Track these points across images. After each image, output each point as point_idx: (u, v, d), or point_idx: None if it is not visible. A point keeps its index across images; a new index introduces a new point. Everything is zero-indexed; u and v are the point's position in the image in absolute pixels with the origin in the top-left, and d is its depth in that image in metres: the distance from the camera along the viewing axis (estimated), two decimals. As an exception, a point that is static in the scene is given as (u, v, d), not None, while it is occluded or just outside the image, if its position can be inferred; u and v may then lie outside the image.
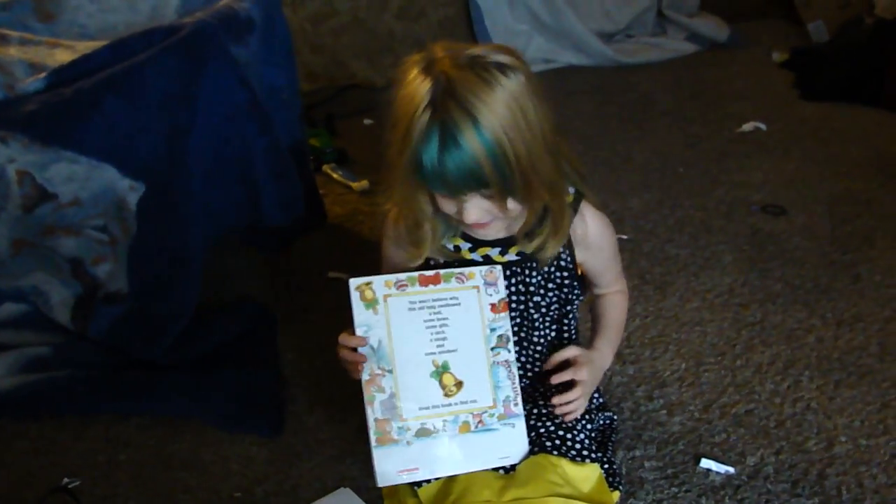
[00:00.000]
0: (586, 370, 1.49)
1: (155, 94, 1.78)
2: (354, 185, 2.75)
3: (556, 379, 1.48)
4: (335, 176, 2.83)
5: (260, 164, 1.92)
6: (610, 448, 1.62)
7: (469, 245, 1.51)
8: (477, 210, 1.36)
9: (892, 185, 2.73)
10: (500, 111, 1.29)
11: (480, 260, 1.51)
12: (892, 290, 2.17)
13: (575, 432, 1.49)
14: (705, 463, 1.64)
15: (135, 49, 1.81)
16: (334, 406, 1.82)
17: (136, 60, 1.77)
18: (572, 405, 1.48)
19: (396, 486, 1.54)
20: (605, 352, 1.62)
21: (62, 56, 1.91)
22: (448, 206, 1.38)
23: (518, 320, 1.55)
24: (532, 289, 1.53)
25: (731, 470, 1.63)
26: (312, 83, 3.53)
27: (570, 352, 1.51)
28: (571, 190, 1.50)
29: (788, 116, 3.30)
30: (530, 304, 1.55)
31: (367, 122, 3.26)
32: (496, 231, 1.45)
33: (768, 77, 3.75)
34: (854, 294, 2.16)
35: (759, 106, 3.39)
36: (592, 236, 1.54)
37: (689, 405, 1.80)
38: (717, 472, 1.63)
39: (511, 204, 1.36)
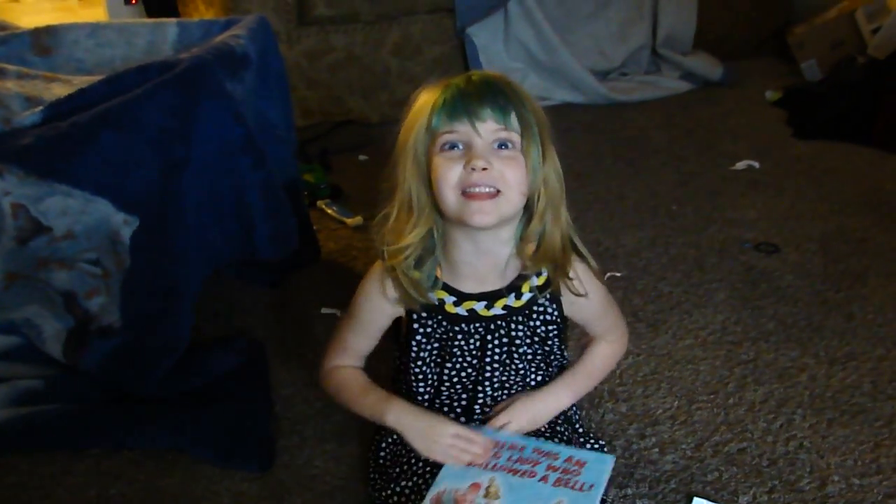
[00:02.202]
0: (519, 408, 1.55)
1: (150, 129, 1.78)
2: (348, 220, 2.75)
3: (495, 422, 1.53)
4: (329, 212, 2.83)
5: (254, 199, 1.92)
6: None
7: (454, 299, 1.50)
8: (488, 150, 1.37)
9: (885, 223, 2.74)
10: (529, 94, 1.42)
11: (465, 314, 1.50)
12: (886, 329, 2.17)
13: None
14: (697, 502, 1.63)
15: (131, 84, 1.82)
16: (326, 442, 1.82)
17: (132, 95, 1.78)
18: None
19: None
20: (558, 394, 1.60)
21: (59, 90, 1.92)
22: (453, 165, 1.37)
23: (501, 369, 1.55)
24: (518, 341, 1.53)
25: (724, 509, 1.63)
26: (308, 119, 3.54)
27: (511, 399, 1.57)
28: None
29: (781, 155, 3.32)
30: (515, 356, 1.55)
31: (362, 158, 3.27)
32: (495, 215, 1.37)
33: (761, 115, 3.78)
34: (847, 332, 2.16)
35: (753, 144, 3.41)
36: (576, 280, 1.51)
37: (682, 443, 1.80)
38: (710, 511, 1.62)
39: (517, 166, 1.38)
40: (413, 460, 1.51)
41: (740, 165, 3.21)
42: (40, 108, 1.83)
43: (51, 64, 2.10)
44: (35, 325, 1.94)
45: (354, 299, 1.57)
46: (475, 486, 1.40)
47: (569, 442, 1.57)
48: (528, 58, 3.92)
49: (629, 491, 1.67)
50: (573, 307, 1.55)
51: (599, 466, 1.44)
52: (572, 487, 1.39)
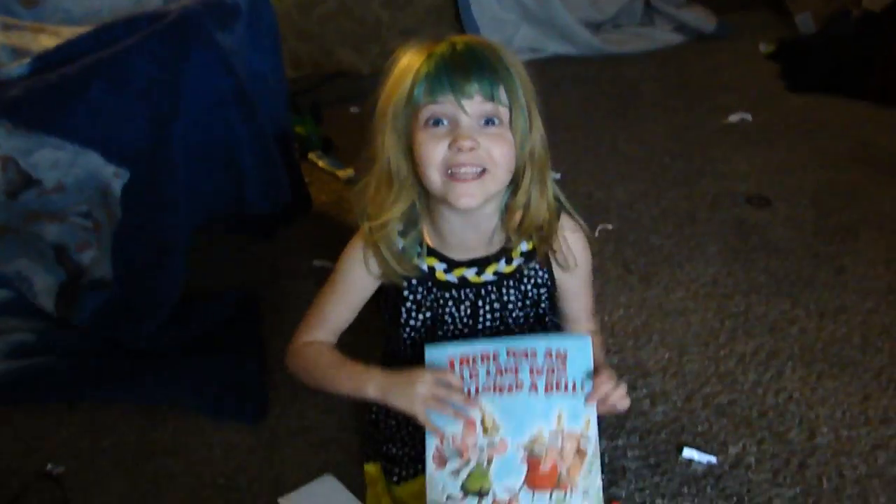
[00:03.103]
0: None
1: (140, 81, 1.77)
2: (340, 173, 2.74)
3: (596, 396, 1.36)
4: (320, 164, 2.82)
5: (245, 151, 1.91)
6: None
7: (444, 266, 1.46)
8: (475, 127, 1.31)
9: (877, 177, 2.74)
10: (516, 59, 1.35)
11: (455, 281, 1.47)
12: (876, 282, 2.18)
13: None
14: (687, 452, 1.64)
15: (120, 35, 1.80)
16: (318, 394, 1.82)
17: (121, 46, 1.77)
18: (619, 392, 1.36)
19: (378, 476, 1.55)
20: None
21: (46, 41, 1.90)
22: (438, 143, 1.31)
23: (494, 335, 1.49)
24: (510, 306, 1.50)
25: (713, 459, 1.64)
26: (298, 71, 3.52)
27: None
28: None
29: (775, 108, 3.31)
30: (509, 320, 1.51)
31: (353, 110, 3.26)
32: (482, 196, 1.33)
33: (755, 68, 3.76)
34: (837, 286, 2.17)
35: (746, 97, 3.40)
36: (569, 252, 1.47)
37: (672, 395, 1.81)
38: (699, 462, 1.63)
39: (505, 144, 1.32)
40: (405, 417, 1.51)
41: (733, 118, 3.20)
42: (28, 59, 1.81)
43: (38, 14, 2.08)
44: (26, 278, 1.93)
45: (336, 268, 1.51)
46: (470, 424, 1.33)
47: None
48: (521, 9, 3.89)
49: (620, 442, 1.68)
50: (563, 273, 1.50)
51: (581, 355, 1.35)
52: (564, 390, 1.34)
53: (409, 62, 1.33)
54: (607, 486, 1.57)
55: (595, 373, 1.35)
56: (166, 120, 1.79)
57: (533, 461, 1.34)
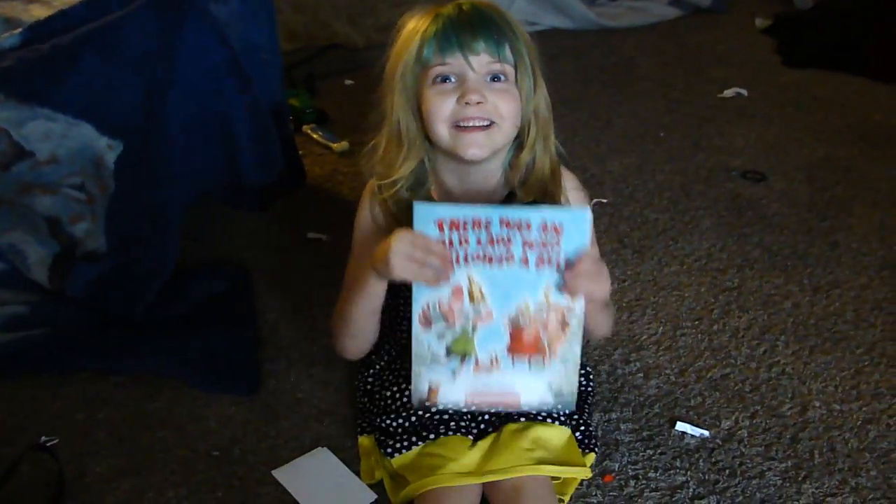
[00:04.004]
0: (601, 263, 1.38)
1: (133, 52, 1.76)
2: (334, 145, 2.74)
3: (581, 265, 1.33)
4: (315, 136, 2.81)
5: (239, 123, 1.91)
6: (586, 410, 1.62)
7: None
8: (482, 83, 1.35)
9: (872, 152, 2.74)
10: (517, 20, 1.39)
11: None
12: (869, 258, 2.19)
13: None
14: (680, 426, 1.65)
15: (113, 6, 1.79)
16: (312, 366, 1.83)
17: (113, 17, 1.76)
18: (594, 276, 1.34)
19: (371, 448, 1.56)
20: None
21: (38, 12, 1.89)
22: (446, 99, 1.35)
23: None
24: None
25: (706, 433, 1.64)
26: (293, 43, 3.50)
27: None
28: None
29: (770, 83, 3.30)
30: None
31: (347, 82, 3.24)
32: (489, 148, 1.38)
33: (751, 43, 3.75)
34: (831, 261, 2.17)
35: (742, 72, 3.39)
36: (573, 203, 1.50)
37: (666, 369, 1.82)
38: (692, 435, 1.64)
39: (511, 99, 1.37)
40: (399, 389, 1.53)
41: (728, 93, 3.19)
42: (19, 29, 1.80)
43: (30, -16, 2.06)
44: (19, 250, 1.93)
45: (353, 237, 1.53)
46: (457, 290, 1.33)
47: None
48: (516, -19, 3.87)
49: (613, 415, 1.69)
50: None
51: (578, 229, 1.31)
52: (557, 265, 1.32)
53: (416, 25, 1.38)
54: (600, 459, 1.58)
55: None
56: (160, 91, 1.78)
57: (516, 331, 1.36)
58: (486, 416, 1.47)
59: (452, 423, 1.46)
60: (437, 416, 1.47)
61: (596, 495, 1.52)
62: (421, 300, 1.34)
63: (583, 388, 1.67)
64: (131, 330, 1.87)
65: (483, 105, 1.35)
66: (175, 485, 1.55)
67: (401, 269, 1.29)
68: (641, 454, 1.60)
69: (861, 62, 3.37)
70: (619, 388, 1.76)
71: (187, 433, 1.66)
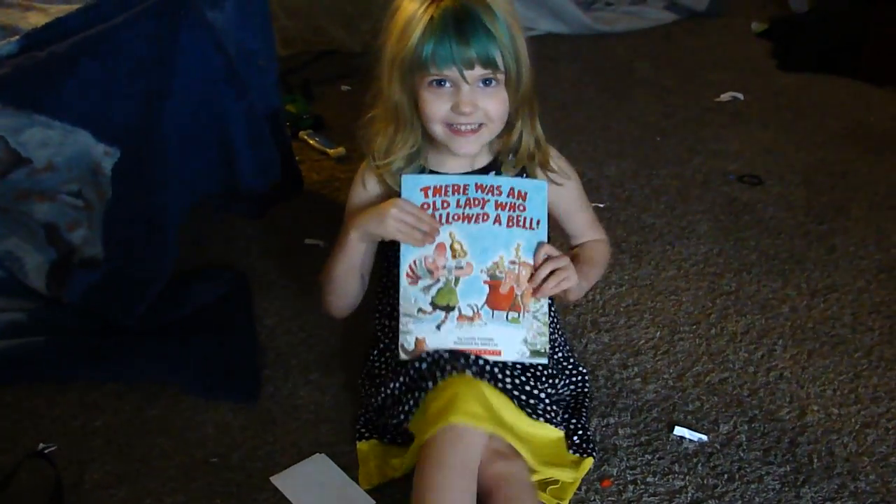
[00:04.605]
0: (564, 258, 1.53)
1: (130, 59, 1.76)
2: (331, 151, 2.73)
3: (543, 272, 1.51)
4: (312, 142, 2.81)
5: (236, 129, 1.91)
6: (584, 415, 1.63)
7: None
8: (475, 91, 1.45)
9: (868, 156, 2.74)
10: (506, 7, 1.45)
11: None
12: (866, 261, 2.19)
13: (536, 392, 1.52)
14: (679, 431, 1.65)
15: (109, 12, 1.78)
16: (310, 372, 1.82)
17: (110, 24, 1.75)
18: (561, 273, 1.50)
19: (370, 453, 1.56)
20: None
21: (35, 19, 1.89)
22: (442, 104, 1.46)
23: None
24: None
25: (704, 438, 1.64)
26: (289, 49, 3.50)
27: (544, 250, 1.52)
28: None
29: (766, 86, 3.30)
30: None
31: (344, 88, 3.24)
32: (478, 145, 1.53)
33: (747, 47, 3.75)
34: (828, 264, 2.18)
35: (738, 76, 3.39)
36: (557, 169, 1.62)
37: (664, 373, 1.82)
38: (691, 440, 1.64)
39: (501, 101, 1.48)
40: (398, 365, 1.55)
41: (725, 97, 3.20)
42: (16, 37, 1.79)
43: (27, -8, 2.06)
44: (17, 257, 1.92)
45: (346, 209, 1.66)
46: (440, 247, 1.51)
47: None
48: (512, -13, 3.86)
49: (611, 420, 1.69)
50: (556, 192, 1.61)
51: (538, 196, 1.52)
52: (523, 226, 1.51)
53: (412, 13, 1.44)
54: (599, 464, 1.58)
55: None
56: (157, 98, 1.78)
57: (493, 283, 1.52)
58: (480, 361, 1.48)
59: (448, 366, 1.45)
60: (431, 364, 1.48)
61: (594, 500, 1.52)
62: (409, 257, 1.52)
63: (579, 391, 1.68)
64: (129, 337, 1.86)
65: (474, 112, 1.46)
66: (173, 491, 1.54)
67: (394, 228, 1.49)
68: (640, 459, 1.60)
69: (857, 66, 3.38)
70: (617, 393, 1.76)
71: (185, 440, 1.66)
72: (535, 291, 1.50)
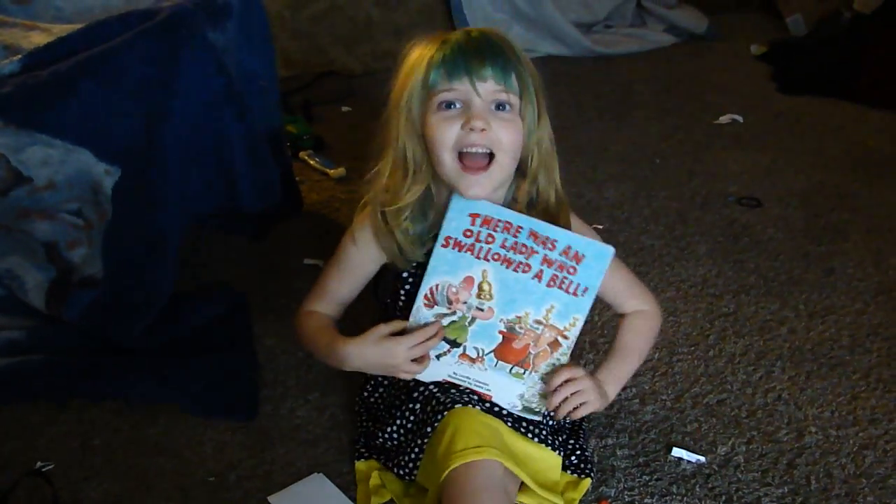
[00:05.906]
0: (586, 381, 1.44)
1: (131, 79, 1.77)
2: (331, 172, 2.74)
3: (558, 397, 1.42)
4: (312, 163, 2.82)
5: (236, 150, 1.91)
6: (582, 435, 1.63)
7: None
8: (487, 110, 1.35)
9: (867, 178, 2.75)
10: (523, 53, 1.40)
11: None
12: (865, 283, 2.19)
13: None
14: (677, 452, 1.65)
15: (111, 33, 1.80)
16: (309, 392, 1.82)
17: (112, 44, 1.76)
18: (579, 396, 1.43)
19: (368, 471, 1.56)
20: (607, 382, 1.51)
21: (37, 39, 1.89)
22: (451, 125, 1.35)
23: None
24: None
25: (702, 459, 1.64)
26: (290, 69, 3.52)
27: (566, 373, 1.43)
28: None
29: (765, 109, 3.32)
30: None
31: (344, 109, 3.25)
32: (489, 186, 1.38)
33: (746, 70, 3.78)
34: (827, 286, 2.18)
35: (737, 98, 3.41)
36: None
37: (662, 394, 1.82)
38: (689, 461, 1.64)
39: (514, 130, 1.37)
40: (403, 401, 1.53)
41: (724, 119, 3.21)
42: (19, 56, 1.80)
43: (29, 12, 2.07)
44: (17, 276, 1.93)
45: (342, 244, 1.55)
46: (468, 280, 1.41)
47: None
48: (512, 9, 3.89)
49: (609, 441, 1.69)
50: None
51: (597, 264, 1.38)
52: (566, 290, 1.39)
53: (423, 52, 1.39)
54: (597, 485, 1.58)
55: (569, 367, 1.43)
56: (158, 118, 1.79)
57: (509, 336, 1.43)
58: (475, 397, 1.46)
59: (441, 408, 1.44)
60: (425, 404, 1.47)
61: (592, 521, 1.52)
62: (433, 279, 1.42)
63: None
64: (128, 356, 1.87)
65: (487, 133, 1.34)
66: (171, 511, 1.55)
67: (408, 374, 1.45)
68: (638, 480, 1.60)
69: (855, 88, 3.40)
70: (615, 414, 1.76)
71: (183, 459, 1.66)
72: (550, 405, 1.42)
